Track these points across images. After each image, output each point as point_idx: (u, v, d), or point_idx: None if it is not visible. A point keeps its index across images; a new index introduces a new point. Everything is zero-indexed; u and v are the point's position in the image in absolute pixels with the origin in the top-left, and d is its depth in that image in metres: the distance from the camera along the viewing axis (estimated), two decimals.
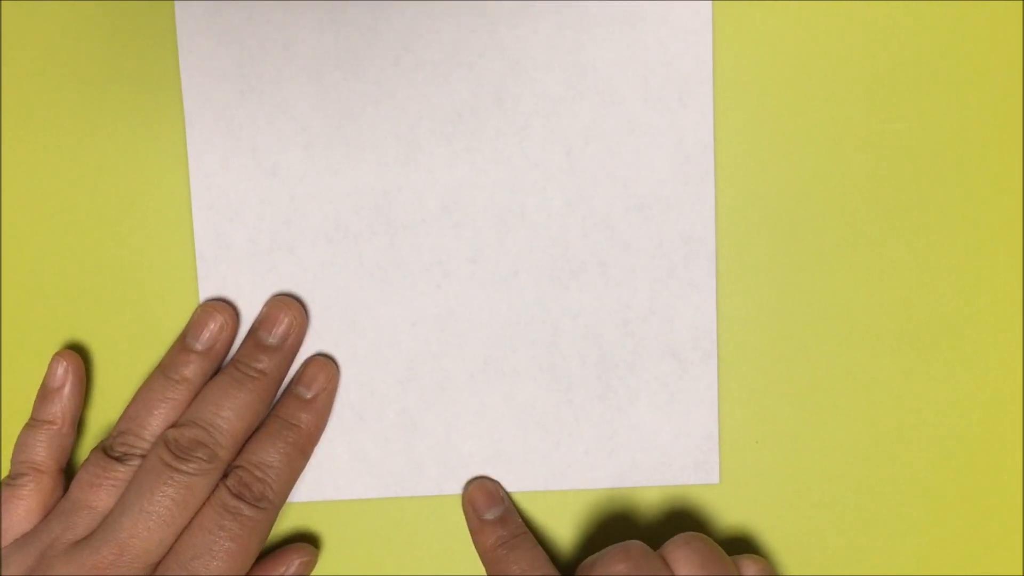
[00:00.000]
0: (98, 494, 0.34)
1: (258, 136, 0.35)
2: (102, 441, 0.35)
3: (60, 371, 0.35)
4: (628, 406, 0.36)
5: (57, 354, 0.36)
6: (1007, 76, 0.35)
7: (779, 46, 0.35)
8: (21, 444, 0.35)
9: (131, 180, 0.36)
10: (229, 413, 0.34)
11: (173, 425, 0.34)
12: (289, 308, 0.36)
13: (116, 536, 0.33)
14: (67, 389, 0.35)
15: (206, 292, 0.36)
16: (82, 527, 0.33)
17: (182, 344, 0.35)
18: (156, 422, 0.34)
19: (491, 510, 0.36)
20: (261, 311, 0.36)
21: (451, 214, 0.36)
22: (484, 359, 0.36)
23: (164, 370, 0.35)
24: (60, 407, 0.35)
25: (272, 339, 0.35)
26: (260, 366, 0.35)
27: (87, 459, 0.35)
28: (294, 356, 0.36)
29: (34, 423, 0.35)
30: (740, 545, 0.37)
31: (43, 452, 0.35)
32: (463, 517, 0.37)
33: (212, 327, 0.35)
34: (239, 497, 0.33)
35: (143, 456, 0.34)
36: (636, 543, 0.33)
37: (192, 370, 0.35)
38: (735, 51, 0.35)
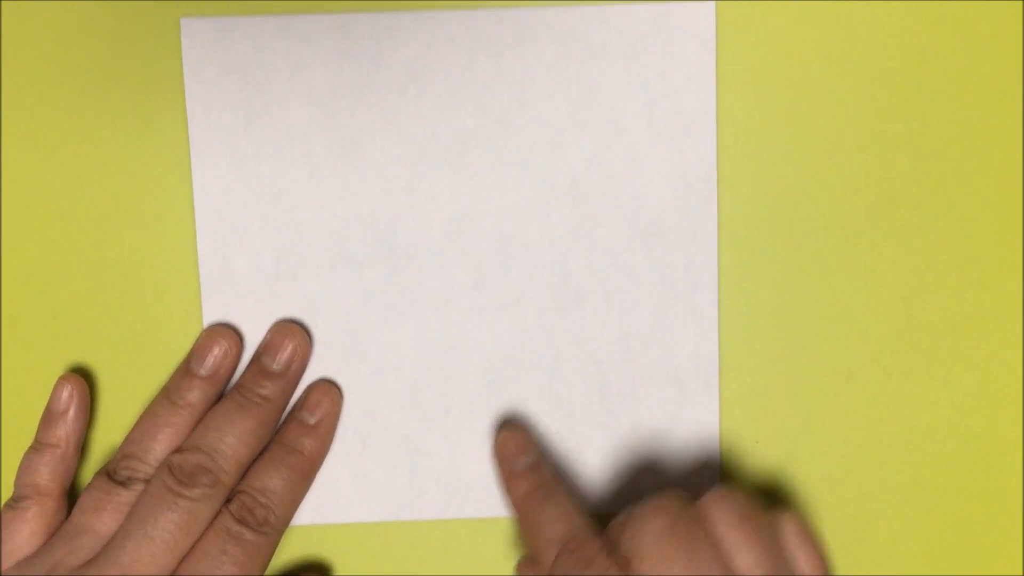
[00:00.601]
0: (101, 518, 0.34)
1: (263, 162, 0.36)
2: (105, 465, 0.35)
3: (65, 395, 0.36)
4: (630, 432, 0.36)
5: (62, 378, 0.36)
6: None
7: (782, 71, 0.36)
8: (25, 467, 0.35)
9: (136, 205, 0.36)
10: (232, 439, 0.34)
11: (177, 450, 0.34)
12: (293, 334, 0.36)
13: (119, 560, 0.33)
14: (71, 413, 0.35)
15: (210, 317, 0.36)
16: (85, 551, 0.33)
17: (186, 369, 0.36)
18: (159, 446, 0.35)
19: (522, 459, 0.35)
20: (265, 337, 0.36)
21: (455, 240, 0.36)
22: (487, 384, 0.36)
23: (168, 394, 0.35)
24: (64, 430, 0.35)
25: (276, 365, 0.36)
26: (264, 392, 0.35)
27: (90, 483, 0.35)
28: (298, 382, 0.36)
29: (38, 446, 0.35)
30: None
31: (47, 475, 0.35)
32: (465, 541, 0.37)
33: (216, 352, 0.35)
34: (242, 522, 0.34)
35: (146, 480, 0.34)
36: (675, 495, 0.32)
37: (196, 395, 0.35)
38: (738, 82, 0.35)
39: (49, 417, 0.36)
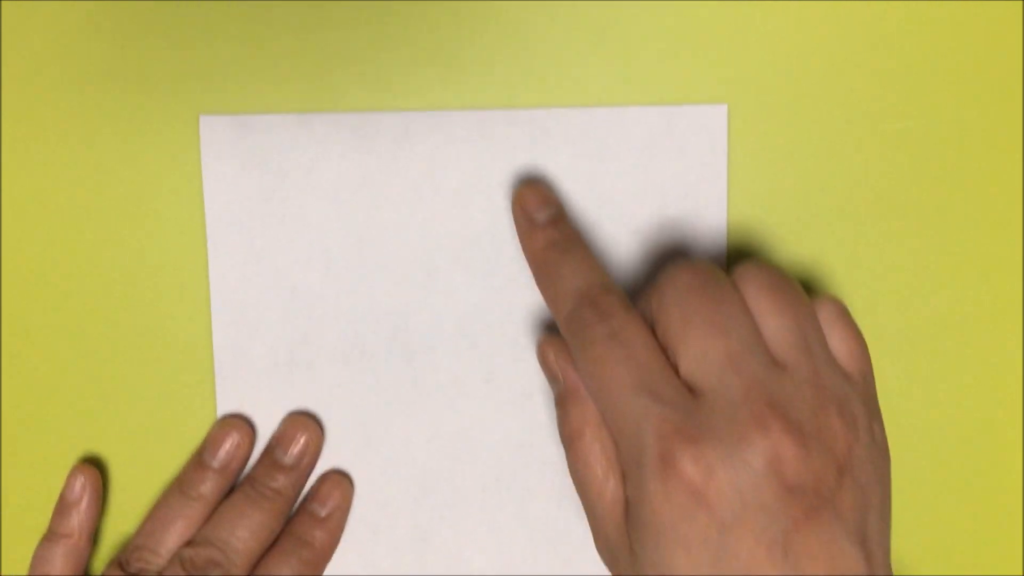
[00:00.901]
0: None
1: (279, 257, 0.36)
2: (117, 556, 0.35)
3: (78, 485, 0.36)
4: None
5: (75, 468, 0.36)
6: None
7: (793, 172, 0.36)
8: (39, 558, 0.35)
9: (153, 295, 0.36)
10: (244, 533, 0.35)
11: (189, 543, 0.35)
12: (306, 427, 0.36)
13: None
14: (84, 503, 0.36)
15: (224, 407, 0.37)
16: None
17: (199, 460, 0.36)
18: (172, 539, 0.35)
19: (543, 211, 0.34)
20: (278, 429, 0.36)
21: (467, 335, 0.36)
22: (496, 477, 0.37)
23: (181, 486, 0.36)
24: (78, 521, 0.36)
25: (288, 458, 0.36)
26: (276, 485, 0.35)
27: (102, 575, 0.35)
28: (309, 474, 0.36)
29: (52, 536, 0.36)
30: None
31: (60, 566, 0.35)
32: None
33: (229, 445, 0.36)
34: None
35: (158, 573, 0.34)
36: (702, 259, 0.31)
37: (208, 487, 0.35)
38: (750, 184, 0.36)
39: (63, 507, 0.36)
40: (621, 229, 0.36)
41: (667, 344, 0.29)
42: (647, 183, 0.36)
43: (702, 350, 0.29)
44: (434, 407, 0.37)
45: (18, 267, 0.36)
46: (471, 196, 0.36)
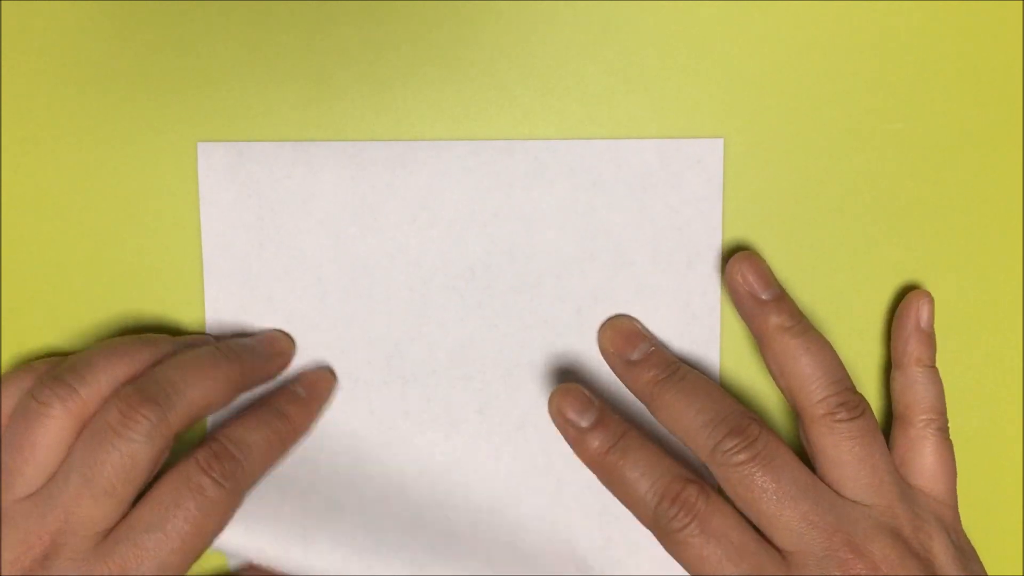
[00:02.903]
0: (22, 455, 0.32)
1: (274, 285, 0.36)
2: (39, 377, 0.32)
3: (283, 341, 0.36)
4: (628, 557, 0.37)
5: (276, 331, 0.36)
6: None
7: (788, 207, 0.36)
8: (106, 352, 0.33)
9: (149, 319, 0.36)
10: (196, 381, 0.32)
11: (132, 380, 0.32)
12: (329, 381, 0.36)
13: (61, 501, 0.31)
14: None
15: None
16: (21, 490, 0.32)
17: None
18: (111, 368, 0.32)
19: (585, 416, 0.33)
20: (303, 371, 0.36)
21: (461, 367, 0.36)
22: (489, 509, 0.37)
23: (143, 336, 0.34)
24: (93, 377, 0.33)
25: (300, 391, 0.35)
26: (240, 345, 0.35)
27: (14, 410, 0.32)
28: (281, 370, 0.36)
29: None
30: None
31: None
32: None
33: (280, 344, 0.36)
34: (206, 472, 0.32)
35: (70, 402, 0.32)
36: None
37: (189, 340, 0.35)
38: (744, 217, 0.36)
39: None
40: (616, 261, 0.36)
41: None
42: (643, 216, 0.36)
43: (781, 519, 0.32)
44: (427, 438, 0.36)
45: (14, 293, 0.36)
46: (466, 226, 0.36)
